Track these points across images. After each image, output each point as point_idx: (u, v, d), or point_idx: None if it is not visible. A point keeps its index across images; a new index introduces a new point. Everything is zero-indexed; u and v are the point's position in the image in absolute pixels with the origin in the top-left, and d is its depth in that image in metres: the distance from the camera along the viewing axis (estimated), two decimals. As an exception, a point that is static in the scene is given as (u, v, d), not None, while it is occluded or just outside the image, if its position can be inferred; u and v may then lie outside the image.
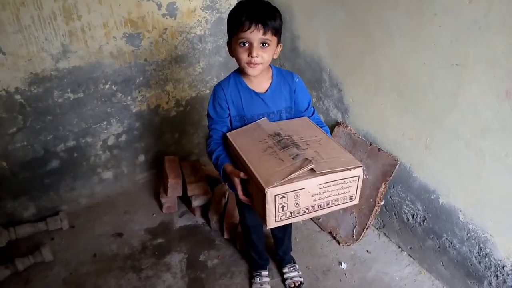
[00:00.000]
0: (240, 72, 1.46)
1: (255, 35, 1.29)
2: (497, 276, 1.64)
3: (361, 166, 1.22)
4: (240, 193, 1.35)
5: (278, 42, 1.39)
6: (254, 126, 1.43)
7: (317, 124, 1.47)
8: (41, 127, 2.11)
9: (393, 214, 2.07)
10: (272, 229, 1.86)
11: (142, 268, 2.03)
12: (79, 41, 2.03)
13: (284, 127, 1.40)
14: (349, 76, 2.06)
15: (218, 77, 2.65)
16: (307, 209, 1.22)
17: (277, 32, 1.34)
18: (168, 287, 1.94)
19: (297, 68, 2.36)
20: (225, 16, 2.48)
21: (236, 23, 1.30)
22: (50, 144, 2.18)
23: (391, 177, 1.94)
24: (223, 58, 2.63)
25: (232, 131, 1.44)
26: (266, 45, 1.32)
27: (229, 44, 1.40)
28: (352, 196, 1.27)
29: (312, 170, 1.17)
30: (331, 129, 2.21)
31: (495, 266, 1.63)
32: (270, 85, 1.47)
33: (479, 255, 1.68)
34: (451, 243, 1.79)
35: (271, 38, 1.32)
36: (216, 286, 1.94)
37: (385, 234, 2.19)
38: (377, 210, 2.02)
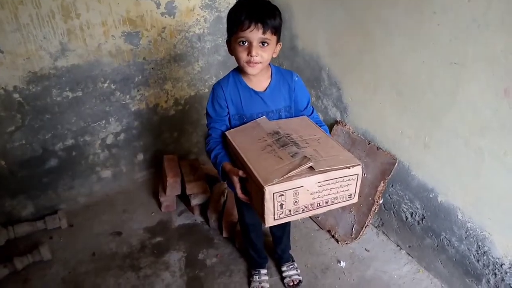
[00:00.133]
0: (239, 70, 1.46)
1: (255, 34, 1.28)
2: (495, 274, 1.64)
3: (360, 165, 1.22)
4: (238, 191, 1.35)
5: (278, 41, 1.38)
6: (253, 125, 1.43)
7: (316, 123, 1.47)
8: (39, 126, 2.10)
9: (392, 213, 2.08)
10: (271, 228, 1.86)
11: (141, 267, 2.03)
12: (78, 40, 2.03)
13: (283, 126, 1.40)
14: (348, 74, 2.06)
15: (217, 76, 2.65)
16: (305, 207, 1.22)
17: (277, 31, 1.34)
18: (167, 285, 1.94)
19: (296, 67, 2.36)
20: (224, 15, 2.48)
21: (236, 22, 1.29)
22: (49, 142, 2.17)
23: (389, 176, 1.94)
24: (222, 57, 2.63)
25: (231, 130, 1.44)
26: (266, 44, 1.32)
27: (229, 42, 1.40)
28: (351, 195, 1.27)
29: (311, 168, 1.17)
30: (330, 128, 2.21)
31: (493, 264, 1.64)
32: (269, 84, 1.47)
33: (478, 253, 1.68)
34: (450, 242, 1.80)
35: (270, 37, 1.31)
36: (215, 285, 1.94)
37: (383, 232, 2.19)
38: (375, 208, 2.02)
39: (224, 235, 2.19)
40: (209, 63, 2.60)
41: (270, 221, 1.20)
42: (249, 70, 1.36)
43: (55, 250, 2.10)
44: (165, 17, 2.26)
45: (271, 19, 1.29)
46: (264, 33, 1.29)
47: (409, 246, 2.05)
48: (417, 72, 1.67)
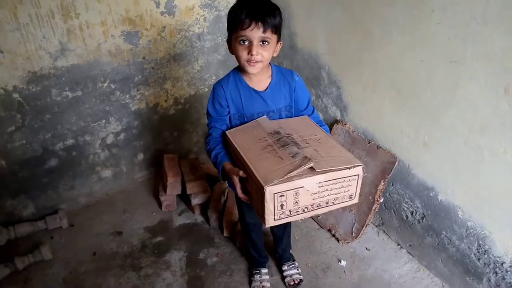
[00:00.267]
0: (240, 70, 1.45)
1: (255, 33, 1.28)
2: (496, 272, 1.64)
3: (360, 165, 1.21)
4: (239, 191, 1.34)
5: (278, 40, 1.38)
6: (254, 124, 1.42)
7: (317, 123, 1.46)
8: (39, 126, 2.10)
9: (392, 212, 2.07)
10: (271, 227, 1.86)
11: (142, 266, 2.04)
12: (77, 39, 2.03)
13: (283, 126, 1.40)
14: (348, 73, 2.06)
15: (216, 75, 2.65)
16: (306, 207, 1.22)
17: (277, 30, 1.34)
18: (168, 285, 1.94)
19: (295, 66, 2.36)
20: (223, 14, 2.48)
21: (236, 21, 1.29)
22: (49, 142, 2.18)
23: (390, 175, 1.94)
24: (222, 56, 2.62)
25: (231, 129, 1.44)
26: (266, 43, 1.32)
27: (229, 41, 1.40)
28: (351, 195, 1.27)
29: (311, 168, 1.16)
30: (330, 127, 2.21)
31: (494, 262, 1.63)
32: (270, 83, 1.46)
33: (478, 252, 1.68)
34: (450, 240, 1.79)
35: (271, 36, 1.31)
36: (216, 284, 1.94)
37: (384, 231, 2.19)
38: (376, 207, 2.02)
39: (225, 234, 2.19)
40: (209, 62, 2.60)
41: (270, 222, 1.20)
42: (250, 69, 1.36)
43: (56, 250, 2.11)
44: (165, 16, 2.26)
45: (272, 18, 1.29)
46: (264, 31, 1.28)
47: (410, 245, 2.05)
48: (416, 71, 1.67)
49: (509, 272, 1.59)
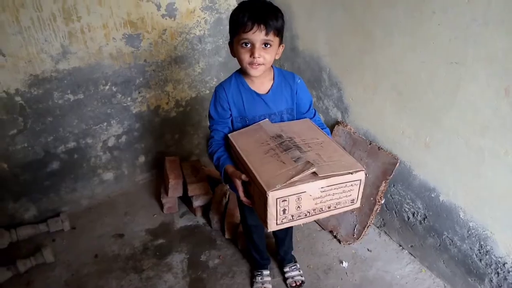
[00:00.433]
0: (241, 72, 1.45)
1: (258, 35, 1.28)
2: (498, 273, 1.64)
3: (363, 170, 1.21)
4: (241, 194, 1.34)
5: (280, 42, 1.38)
6: (256, 127, 1.42)
7: (319, 126, 1.46)
8: (41, 129, 2.11)
9: (394, 213, 2.08)
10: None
11: (144, 268, 2.04)
12: (79, 42, 2.03)
13: (285, 129, 1.40)
14: (349, 75, 2.06)
15: (217, 77, 2.66)
16: (308, 212, 1.22)
17: (280, 33, 1.34)
18: (169, 287, 1.94)
19: (296, 68, 2.37)
20: (224, 16, 2.49)
21: (238, 24, 1.29)
22: (51, 145, 2.18)
23: (391, 176, 1.94)
24: (223, 58, 2.63)
25: (234, 132, 1.44)
26: (268, 45, 1.32)
27: (231, 44, 1.40)
28: (353, 200, 1.27)
29: (314, 173, 1.16)
30: (331, 129, 2.22)
31: (495, 263, 1.63)
32: (272, 86, 1.46)
33: (480, 253, 1.68)
34: (452, 241, 1.79)
35: (273, 38, 1.31)
36: (218, 286, 1.94)
37: (385, 232, 2.19)
38: (377, 208, 2.02)
39: (227, 236, 2.19)
40: (210, 64, 2.61)
41: (272, 226, 1.20)
42: (252, 72, 1.36)
43: (58, 252, 2.11)
44: (166, 19, 2.27)
45: (274, 21, 1.29)
46: (267, 34, 1.28)
47: (411, 246, 2.05)
48: (417, 72, 1.67)
49: (511, 273, 1.59)
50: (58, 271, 2.02)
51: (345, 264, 2.03)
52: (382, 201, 2.02)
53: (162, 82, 2.44)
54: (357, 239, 2.10)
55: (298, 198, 1.16)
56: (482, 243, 1.66)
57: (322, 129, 1.44)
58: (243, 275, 1.99)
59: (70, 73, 2.08)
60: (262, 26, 1.26)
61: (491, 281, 1.68)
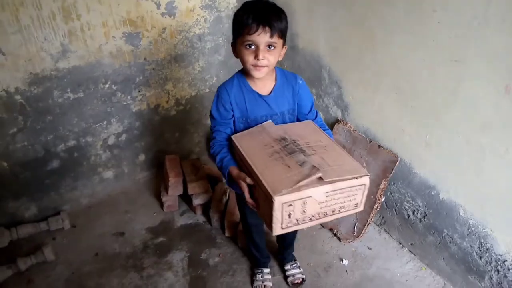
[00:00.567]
0: (243, 73, 1.45)
1: (262, 38, 1.27)
2: (498, 271, 1.65)
3: (367, 175, 1.21)
4: (247, 196, 1.32)
5: (284, 44, 1.37)
6: (259, 129, 1.41)
7: (320, 127, 1.46)
8: (41, 127, 2.11)
9: (394, 211, 2.08)
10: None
11: (144, 267, 2.04)
12: (79, 41, 2.03)
13: (289, 131, 1.39)
14: (349, 73, 2.06)
15: (217, 76, 2.65)
16: (313, 216, 1.22)
17: (284, 35, 1.33)
18: (170, 285, 1.94)
19: (296, 66, 2.36)
20: (224, 15, 2.49)
21: (243, 25, 1.27)
22: (51, 144, 2.18)
23: (391, 174, 1.94)
24: (223, 57, 2.63)
25: (237, 134, 1.42)
26: (272, 47, 1.31)
27: (234, 44, 1.38)
28: (357, 204, 1.27)
29: (319, 178, 1.16)
30: (331, 127, 2.22)
31: (495, 261, 1.64)
32: (274, 87, 1.46)
33: (480, 250, 1.69)
34: (452, 239, 1.80)
35: (277, 40, 1.30)
36: (218, 284, 1.94)
37: (385, 230, 2.20)
38: (377, 206, 2.03)
39: (227, 234, 2.19)
40: (210, 63, 2.60)
41: (277, 230, 1.20)
42: (255, 73, 1.35)
43: (58, 251, 2.11)
44: (166, 17, 2.27)
45: (278, 22, 1.27)
46: (271, 36, 1.27)
47: (412, 244, 2.05)
48: (417, 70, 1.67)
49: (510, 270, 1.60)
50: (59, 270, 2.02)
51: (345, 262, 2.03)
52: (382, 199, 2.02)
53: (162, 81, 2.44)
54: (357, 237, 2.11)
55: (304, 203, 1.16)
56: (482, 240, 1.67)
57: (324, 130, 1.45)
58: (244, 273, 2.00)
59: (70, 71, 2.07)
60: (267, 28, 1.25)
61: (491, 278, 1.68)
